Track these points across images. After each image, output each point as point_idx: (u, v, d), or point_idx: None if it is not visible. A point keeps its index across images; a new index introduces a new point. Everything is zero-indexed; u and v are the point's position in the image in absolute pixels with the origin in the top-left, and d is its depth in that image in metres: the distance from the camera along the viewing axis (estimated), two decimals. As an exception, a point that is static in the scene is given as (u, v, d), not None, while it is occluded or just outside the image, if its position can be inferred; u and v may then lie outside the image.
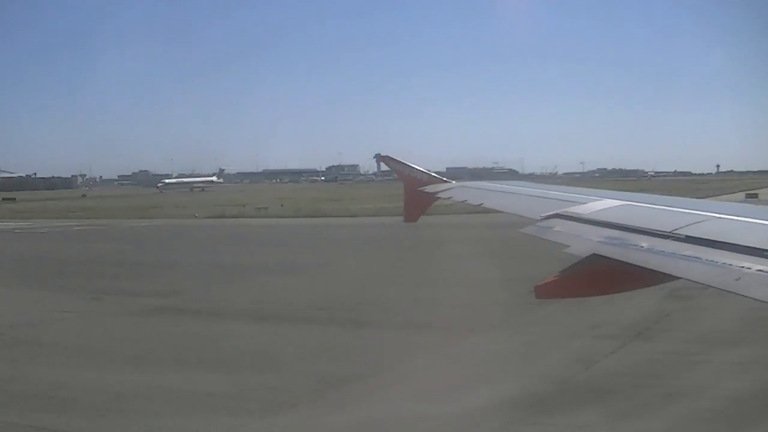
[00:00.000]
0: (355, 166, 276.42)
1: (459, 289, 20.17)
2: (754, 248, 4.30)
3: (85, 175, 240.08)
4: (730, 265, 4.20)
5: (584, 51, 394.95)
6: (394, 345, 15.46)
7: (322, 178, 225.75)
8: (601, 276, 5.23)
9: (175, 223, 55.82)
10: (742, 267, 4.12)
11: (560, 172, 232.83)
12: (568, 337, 15.41)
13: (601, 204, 6.64)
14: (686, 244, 4.74)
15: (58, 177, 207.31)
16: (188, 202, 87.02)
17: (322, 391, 12.51)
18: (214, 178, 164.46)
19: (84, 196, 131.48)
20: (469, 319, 17.24)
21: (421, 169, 11.64)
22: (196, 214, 62.98)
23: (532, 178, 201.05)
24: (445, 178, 11.68)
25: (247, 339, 16.55)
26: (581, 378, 12.78)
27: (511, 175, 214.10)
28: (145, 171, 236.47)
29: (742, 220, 5.23)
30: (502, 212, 7.96)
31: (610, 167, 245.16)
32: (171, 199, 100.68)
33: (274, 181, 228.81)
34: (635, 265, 4.80)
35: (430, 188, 10.74)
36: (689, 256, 4.54)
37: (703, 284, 4.22)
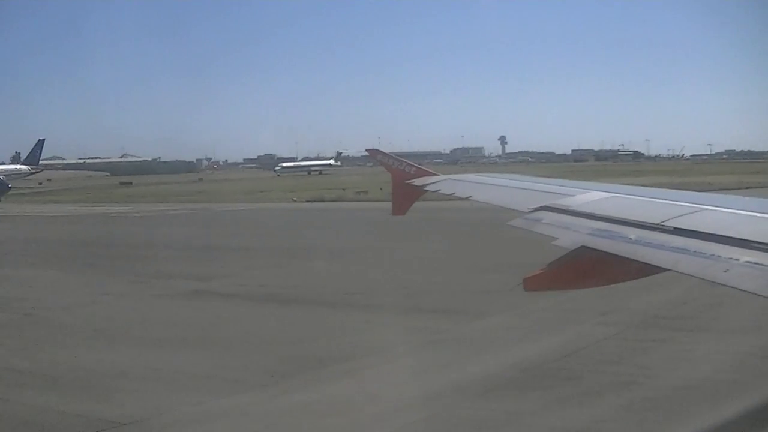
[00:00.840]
0: (479, 149, 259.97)
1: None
2: (742, 239, 4.28)
3: (211, 158, 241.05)
4: (719, 256, 4.19)
5: (705, 31, 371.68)
6: (394, 328, 14.94)
7: (439, 160, 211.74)
8: (590, 268, 5.22)
9: (270, 207, 55.57)
10: (730, 258, 4.10)
11: (687, 154, 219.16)
12: (567, 323, 14.54)
13: (590, 196, 6.50)
14: (674, 236, 4.70)
15: (182, 161, 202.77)
16: (299, 185, 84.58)
17: (299, 372, 12.36)
18: (332, 162, 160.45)
19: (200, 179, 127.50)
20: (483, 304, 16.86)
21: (409, 162, 11.35)
22: (294, 198, 62.95)
23: (657, 160, 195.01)
24: (432, 171, 11.71)
25: (261, 322, 16.37)
26: (552, 365, 12.10)
27: (636, 157, 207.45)
28: (271, 154, 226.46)
29: (730, 212, 5.18)
30: (492, 205, 7.76)
31: (739, 149, 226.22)
32: (284, 182, 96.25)
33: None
34: (623, 257, 4.78)
35: (417, 181, 10.59)
36: (677, 248, 4.52)
37: (691, 276, 4.19)
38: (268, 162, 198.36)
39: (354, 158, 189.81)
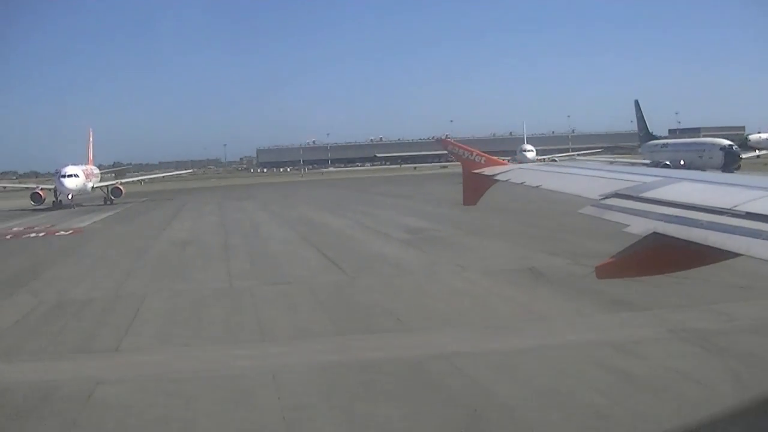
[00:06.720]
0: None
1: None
2: None
3: None
4: None
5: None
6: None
7: None
8: (661, 255, 5.07)
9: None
10: None
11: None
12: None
13: (659, 182, 6.37)
14: (747, 221, 4.53)
15: None
16: None
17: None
18: None
19: None
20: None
21: (480, 152, 11.12)
22: None
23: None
24: (503, 160, 11.53)
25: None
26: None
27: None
28: None
29: None
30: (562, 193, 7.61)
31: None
32: None
33: None
34: (696, 243, 4.61)
35: (487, 171, 10.47)
36: (750, 232, 4.33)
37: (765, 260, 3.97)
38: None
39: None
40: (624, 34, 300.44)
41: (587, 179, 7.79)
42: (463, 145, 11.92)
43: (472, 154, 11.10)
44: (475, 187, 10.90)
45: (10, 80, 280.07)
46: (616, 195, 6.25)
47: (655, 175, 6.79)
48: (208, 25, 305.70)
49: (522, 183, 9.22)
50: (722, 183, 5.99)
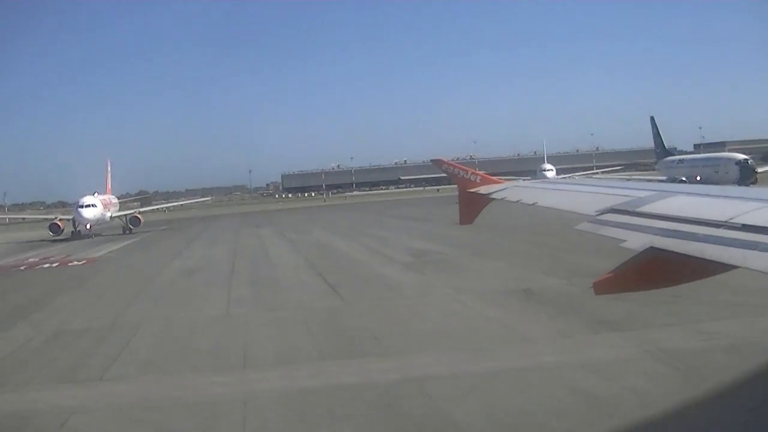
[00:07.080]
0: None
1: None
2: None
3: None
4: None
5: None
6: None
7: None
8: (659, 268, 5.06)
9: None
10: None
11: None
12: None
13: (655, 197, 6.35)
14: (743, 233, 4.51)
15: None
16: None
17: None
18: None
19: None
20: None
21: (474, 170, 11.22)
22: None
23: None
24: (498, 178, 11.55)
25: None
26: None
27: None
28: None
29: None
30: (558, 210, 7.59)
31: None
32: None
33: None
34: (692, 257, 4.59)
35: (483, 189, 10.45)
36: (747, 244, 4.32)
37: (762, 272, 3.95)
38: None
39: None
40: (648, 49, 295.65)
41: (583, 195, 7.84)
42: (457, 165, 12.03)
43: (467, 173, 11.14)
44: (472, 206, 10.93)
45: (39, 112, 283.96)
46: (612, 210, 6.25)
47: (651, 190, 6.80)
48: (235, 51, 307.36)
49: (518, 201, 9.22)
50: (718, 196, 6.00)
